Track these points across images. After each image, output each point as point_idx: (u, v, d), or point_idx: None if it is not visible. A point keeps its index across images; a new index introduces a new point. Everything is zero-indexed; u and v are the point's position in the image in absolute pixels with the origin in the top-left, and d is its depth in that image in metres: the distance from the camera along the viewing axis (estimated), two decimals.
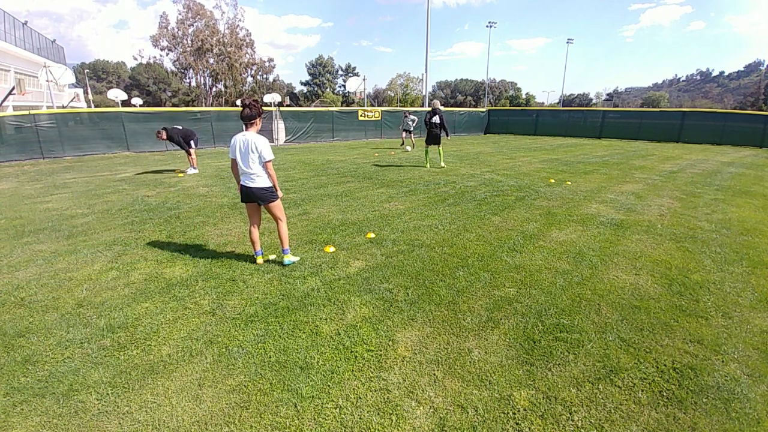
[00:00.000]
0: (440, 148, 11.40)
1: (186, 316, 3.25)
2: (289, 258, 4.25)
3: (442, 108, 11.95)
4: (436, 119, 10.68)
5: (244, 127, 3.96)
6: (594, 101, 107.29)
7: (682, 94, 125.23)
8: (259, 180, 3.96)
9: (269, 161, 3.95)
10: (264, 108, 20.41)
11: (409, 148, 16.63)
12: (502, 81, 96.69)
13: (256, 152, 3.88)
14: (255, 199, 4.02)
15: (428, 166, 11.45)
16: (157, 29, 50.78)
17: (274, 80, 64.38)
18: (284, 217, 4.21)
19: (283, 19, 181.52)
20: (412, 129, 16.70)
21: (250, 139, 3.88)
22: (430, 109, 11.20)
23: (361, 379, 2.52)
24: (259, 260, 4.25)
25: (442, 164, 11.56)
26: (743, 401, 2.35)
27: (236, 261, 4.38)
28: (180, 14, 50.08)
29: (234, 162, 4.03)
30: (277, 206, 4.11)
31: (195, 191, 8.21)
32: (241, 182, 4.03)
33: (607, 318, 3.24)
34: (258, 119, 3.95)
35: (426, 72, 30.71)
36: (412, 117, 16.64)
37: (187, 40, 50.91)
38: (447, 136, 11.01)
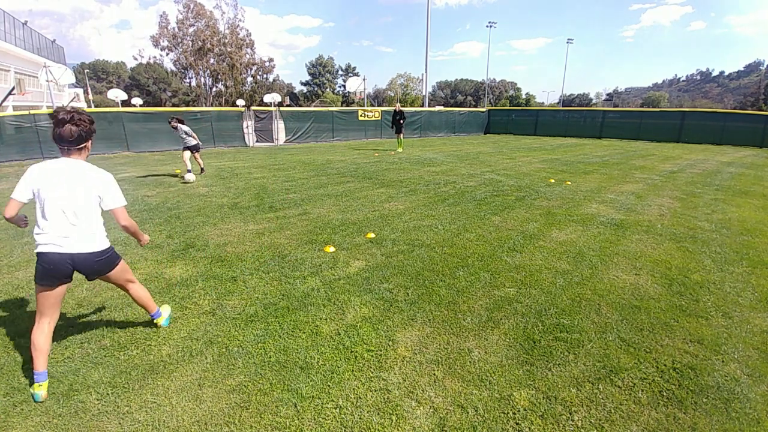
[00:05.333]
0: (401, 136, 16.72)
1: (186, 316, 3.24)
2: (164, 318, 3.09)
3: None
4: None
5: (60, 152, 2.47)
6: (594, 101, 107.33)
7: (682, 94, 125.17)
8: (91, 240, 2.45)
9: (123, 209, 2.55)
10: (266, 108, 19.90)
11: (191, 177, 9.20)
12: (502, 81, 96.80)
13: (91, 195, 2.44)
14: (83, 272, 2.49)
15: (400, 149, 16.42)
16: (157, 29, 50.80)
17: (274, 80, 64.37)
18: (134, 277, 2.87)
19: (285, 19, 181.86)
20: (191, 144, 9.75)
21: (80, 172, 2.42)
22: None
23: (361, 379, 2.51)
24: (39, 391, 2.31)
25: (399, 149, 16.35)
26: (743, 401, 2.35)
27: (236, 261, 4.38)
28: (180, 14, 50.09)
29: (18, 206, 2.42)
30: (123, 269, 2.72)
31: (195, 191, 8.21)
32: (48, 247, 2.36)
33: (607, 318, 3.24)
34: (89, 142, 2.54)
35: (426, 72, 30.72)
36: (184, 128, 9.65)
37: (187, 40, 50.89)
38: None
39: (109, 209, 2.51)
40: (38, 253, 2.38)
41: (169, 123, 9.77)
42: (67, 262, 2.38)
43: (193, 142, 9.81)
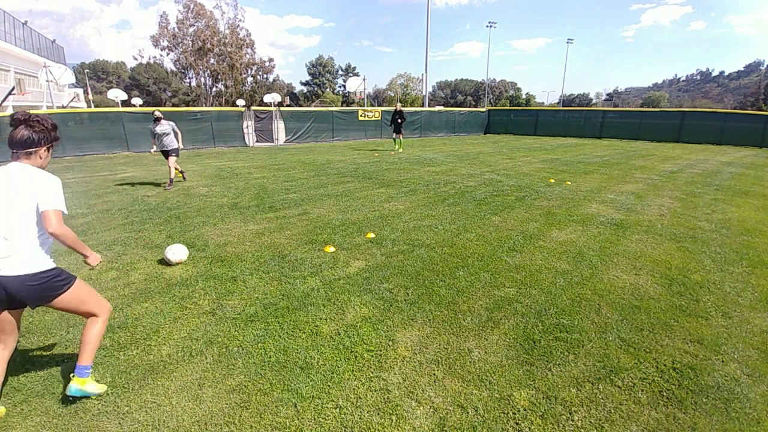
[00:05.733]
0: (400, 137, 16.48)
1: (186, 316, 3.24)
2: (84, 385, 2.25)
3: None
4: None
5: (11, 157, 2.18)
6: (594, 101, 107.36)
7: (682, 94, 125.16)
8: (23, 260, 2.05)
9: (57, 212, 2.11)
10: (266, 108, 19.67)
11: (178, 257, 4.35)
12: (502, 81, 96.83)
13: (30, 203, 2.08)
14: (18, 299, 2.07)
15: (399, 149, 16.38)
16: (157, 29, 50.79)
17: (274, 80, 64.34)
18: (104, 309, 2.39)
19: (285, 19, 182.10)
20: (172, 148, 8.65)
21: (22, 178, 2.09)
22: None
23: (361, 379, 2.51)
24: None
25: (399, 149, 16.28)
26: (743, 401, 2.35)
27: (236, 261, 4.38)
28: (180, 14, 50.08)
29: None
30: (77, 298, 2.25)
31: (195, 191, 8.21)
32: None
33: (607, 318, 3.24)
34: (43, 148, 2.22)
35: (426, 72, 30.74)
36: (167, 123, 8.57)
37: (187, 40, 50.88)
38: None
39: (42, 211, 2.07)
40: None
41: (153, 114, 8.74)
42: None
43: (174, 144, 8.61)
